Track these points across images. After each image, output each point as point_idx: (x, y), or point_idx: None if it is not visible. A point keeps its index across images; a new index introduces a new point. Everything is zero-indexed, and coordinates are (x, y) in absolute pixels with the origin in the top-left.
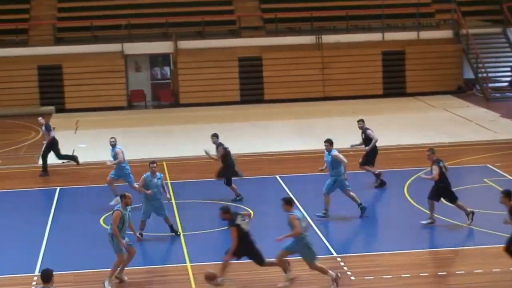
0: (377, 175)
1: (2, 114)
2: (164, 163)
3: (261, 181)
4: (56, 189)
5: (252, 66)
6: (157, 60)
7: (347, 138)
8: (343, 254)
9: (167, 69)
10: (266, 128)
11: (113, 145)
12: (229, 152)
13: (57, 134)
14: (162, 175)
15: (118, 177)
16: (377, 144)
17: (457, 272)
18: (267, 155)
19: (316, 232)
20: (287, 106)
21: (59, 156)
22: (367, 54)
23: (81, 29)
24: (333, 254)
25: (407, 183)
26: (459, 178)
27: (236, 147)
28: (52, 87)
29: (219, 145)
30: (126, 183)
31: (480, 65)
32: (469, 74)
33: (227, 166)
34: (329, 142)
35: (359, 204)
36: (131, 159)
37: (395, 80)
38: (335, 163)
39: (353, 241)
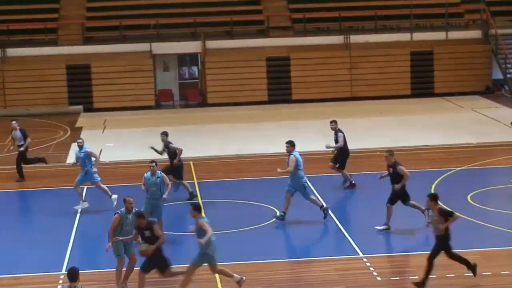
0: (347, 177)
1: (31, 113)
2: (191, 162)
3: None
4: (83, 188)
5: (280, 66)
6: (185, 59)
7: (374, 139)
8: (369, 254)
9: (195, 69)
10: (294, 128)
11: (81, 146)
12: (180, 151)
13: (85, 134)
14: (162, 174)
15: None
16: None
17: (483, 273)
18: None
19: (343, 232)
20: (314, 106)
21: (27, 161)
22: (396, 54)
23: (110, 29)
24: (359, 255)
25: (434, 184)
26: (487, 179)
27: (263, 147)
28: (80, 87)
29: (168, 143)
30: (93, 184)
31: (509, 65)
32: (497, 75)
33: (177, 165)
34: (290, 144)
35: (321, 206)
36: (159, 158)
37: (423, 80)
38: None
39: (380, 242)
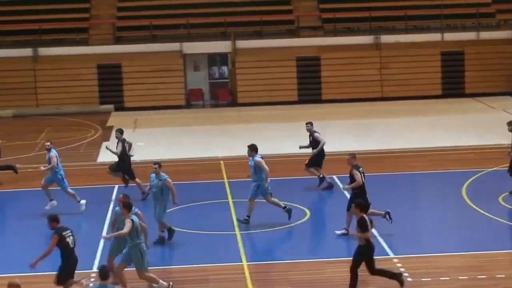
0: (321, 179)
1: (63, 112)
2: (222, 162)
3: (316, 180)
4: (114, 186)
5: (310, 66)
6: (215, 59)
7: (404, 139)
8: (400, 255)
9: (224, 68)
10: (323, 128)
11: (49, 149)
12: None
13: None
14: (165, 177)
15: (51, 181)
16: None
17: None
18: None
19: (372, 232)
20: (344, 106)
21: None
22: (426, 54)
23: (140, 28)
24: (389, 255)
25: (465, 185)
26: None
27: (292, 147)
28: (111, 86)
29: (121, 141)
30: (60, 187)
31: None
32: None
33: (123, 162)
34: (250, 148)
35: (284, 208)
36: (188, 157)
37: (454, 80)
38: (258, 169)
39: (411, 242)
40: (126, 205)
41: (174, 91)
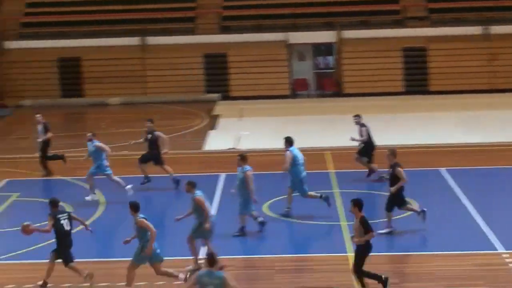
0: (371, 171)
1: (169, 101)
2: (329, 152)
3: (424, 173)
4: (220, 175)
5: (417, 57)
6: (320, 49)
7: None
8: (510, 250)
9: (329, 59)
10: (431, 120)
11: (90, 140)
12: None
13: (222, 122)
14: (247, 169)
15: (96, 172)
16: None
17: None
18: (432, 147)
19: (481, 227)
20: (452, 98)
21: (47, 157)
22: None
23: (246, 18)
24: (497, 250)
25: None
26: None
27: (398, 138)
28: (217, 75)
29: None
30: (105, 176)
31: None
32: None
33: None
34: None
35: (320, 196)
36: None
37: None
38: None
39: None
40: (133, 206)
41: (279, 81)
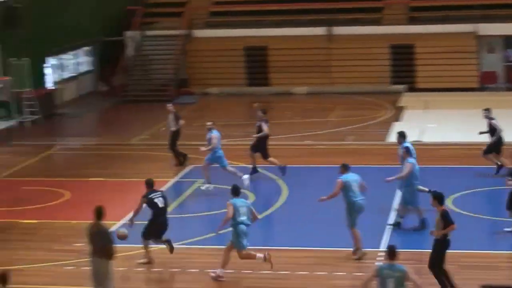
0: (499, 166)
1: (353, 91)
2: None
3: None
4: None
5: None
6: (511, 41)
7: None
8: None
9: None
10: None
11: (210, 129)
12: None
13: (406, 113)
14: (410, 161)
15: (212, 161)
16: None
17: None
18: None
19: None
20: None
21: (173, 149)
22: None
23: (434, 9)
24: None
25: None
26: None
27: None
28: (403, 66)
29: (263, 121)
30: (220, 166)
31: None
32: None
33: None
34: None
35: (429, 190)
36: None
37: None
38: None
39: None
40: (234, 191)
41: (466, 73)
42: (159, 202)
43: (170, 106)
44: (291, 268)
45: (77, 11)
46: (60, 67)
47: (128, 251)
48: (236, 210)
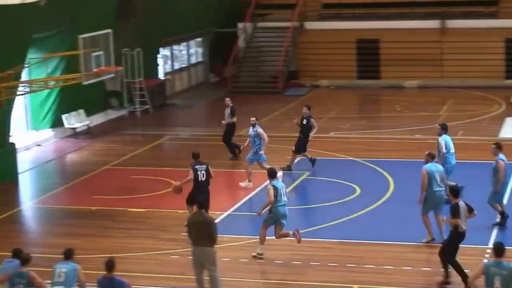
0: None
1: (466, 85)
2: None
3: None
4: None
5: None
6: None
7: None
8: None
9: None
10: None
11: (254, 125)
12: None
13: None
14: (501, 157)
15: (253, 161)
16: None
17: None
18: None
19: None
20: None
21: (227, 142)
22: None
23: None
24: None
25: None
26: None
27: None
28: None
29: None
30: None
31: None
32: None
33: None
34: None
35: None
36: None
37: None
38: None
39: None
40: (270, 173)
41: None
42: (201, 175)
43: (228, 100)
44: (396, 263)
45: (190, 2)
46: (172, 57)
47: (234, 241)
48: (277, 192)
